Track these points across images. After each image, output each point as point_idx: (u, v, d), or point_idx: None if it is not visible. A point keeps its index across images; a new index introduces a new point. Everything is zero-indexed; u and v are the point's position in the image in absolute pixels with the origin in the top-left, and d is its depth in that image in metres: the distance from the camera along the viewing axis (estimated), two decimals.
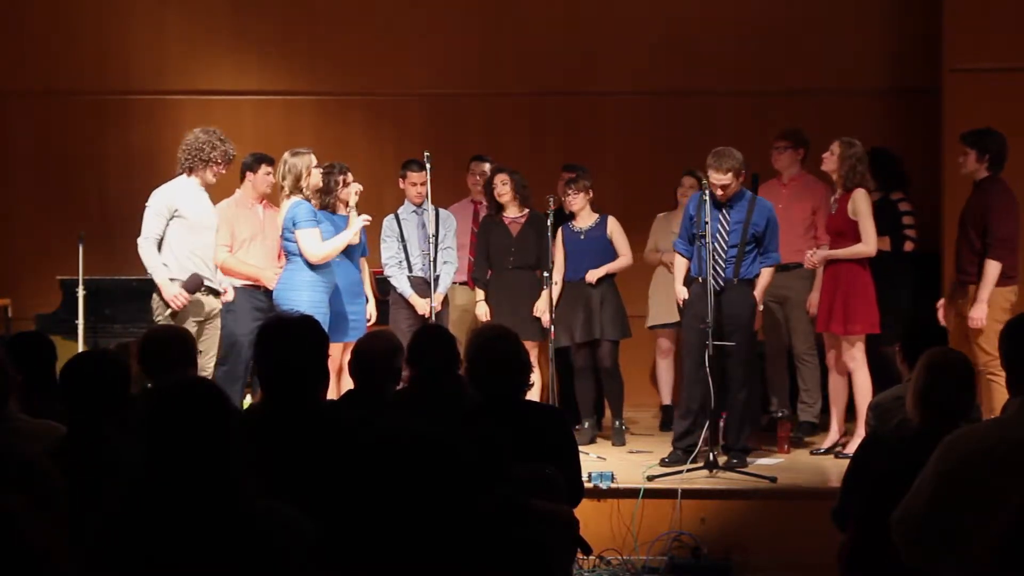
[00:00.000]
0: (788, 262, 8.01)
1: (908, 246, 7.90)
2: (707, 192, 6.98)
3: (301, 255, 7.10)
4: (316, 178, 7.17)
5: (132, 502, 2.84)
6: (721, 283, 7.03)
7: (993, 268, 6.93)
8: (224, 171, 7.15)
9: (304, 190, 7.11)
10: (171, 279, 6.87)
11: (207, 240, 7.03)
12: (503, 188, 8.02)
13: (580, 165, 8.22)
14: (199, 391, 2.92)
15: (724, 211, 7.09)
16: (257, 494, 2.88)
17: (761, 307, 7.61)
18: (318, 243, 7.08)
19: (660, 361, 8.73)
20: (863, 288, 7.24)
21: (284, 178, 7.17)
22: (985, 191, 7.06)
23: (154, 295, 6.97)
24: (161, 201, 6.94)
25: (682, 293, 7.24)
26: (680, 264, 7.34)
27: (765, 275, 7.21)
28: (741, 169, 7.03)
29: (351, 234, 7.30)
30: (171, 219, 6.90)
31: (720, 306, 6.95)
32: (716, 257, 7.01)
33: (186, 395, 2.90)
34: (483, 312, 8.02)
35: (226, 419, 2.89)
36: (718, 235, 7.05)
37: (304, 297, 6.99)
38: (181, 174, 7.06)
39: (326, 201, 7.37)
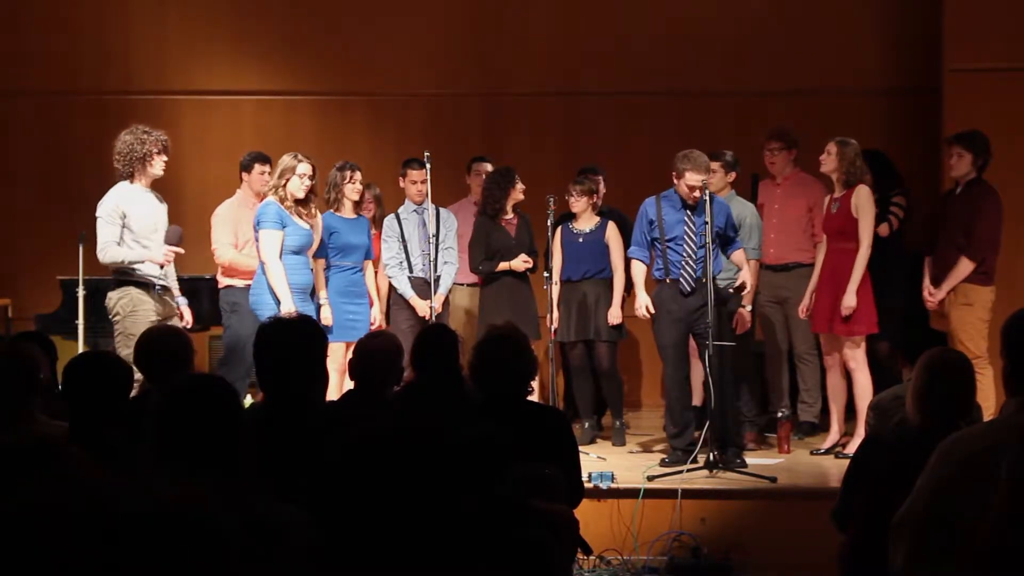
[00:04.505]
0: (788, 261, 8.01)
1: (883, 230, 7.62)
2: (708, 192, 6.96)
3: None
4: (295, 185, 6.92)
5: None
6: (692, 284, 7.03)
7: (966, 266, 7.05)
8: (166, 157, 6.94)
9: (278, 190, 6.96)
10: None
11: (156, 241, 6.89)
12: (519, 192, 7.94)
13: (593, 168, 8.21)
14: (211, 388, 2.93)
15: (688, 213, 7.09)
16: (261, 494, 2.89)
17: (749, 307, 7.59)
18: (274, 249, 6.81)
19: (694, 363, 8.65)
20: (862, 288, 7.22)
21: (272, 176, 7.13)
22: (975, 193, 7.14)
23: (110, 294, 6.83)
24: (110, 209, 6.77)
25: (645, 300, 7.16)
26: (640, 270, 7.32)
27: (742, 256, 7.19)
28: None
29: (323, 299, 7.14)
30: (122, 227, 6.77)
31: (690, 307, 6.98)
32: (687, 259, 7.03)
33: (198, 392, 2.90)
34: (520, 261, 7.80)
35: (236, 418, 2.90)
36: (686, 237, 7.06)
37: (270, 299, 6.79)
38: (123, 180, 6.86)
39: (330, 198, 7.35)
